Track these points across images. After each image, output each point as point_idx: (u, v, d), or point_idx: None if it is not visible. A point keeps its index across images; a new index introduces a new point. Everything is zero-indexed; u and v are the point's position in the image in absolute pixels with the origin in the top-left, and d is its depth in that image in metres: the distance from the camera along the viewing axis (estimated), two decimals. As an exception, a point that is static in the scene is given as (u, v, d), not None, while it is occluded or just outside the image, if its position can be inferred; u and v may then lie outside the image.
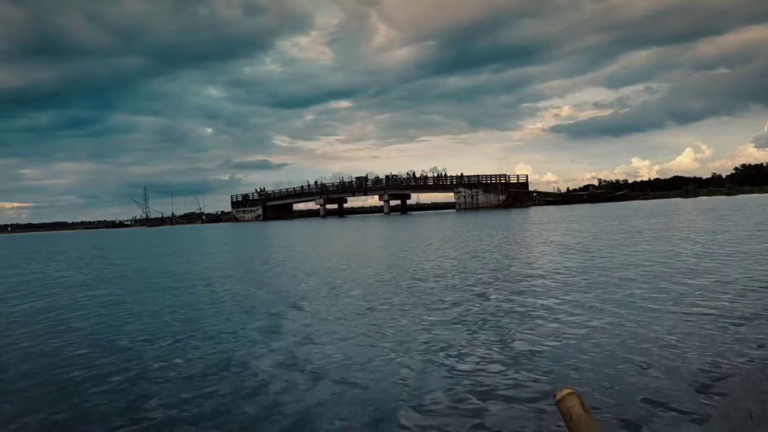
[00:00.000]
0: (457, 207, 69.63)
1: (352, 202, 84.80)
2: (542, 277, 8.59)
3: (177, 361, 4.81)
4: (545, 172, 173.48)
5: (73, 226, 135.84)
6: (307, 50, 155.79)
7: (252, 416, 3.49)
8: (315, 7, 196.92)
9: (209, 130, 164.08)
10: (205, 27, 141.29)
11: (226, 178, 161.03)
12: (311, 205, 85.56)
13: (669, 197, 64.50)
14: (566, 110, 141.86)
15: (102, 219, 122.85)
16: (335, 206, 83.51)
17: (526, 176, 71.78)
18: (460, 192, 69.27)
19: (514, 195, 67.11)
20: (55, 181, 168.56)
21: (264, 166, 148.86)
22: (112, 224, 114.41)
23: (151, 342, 5.60)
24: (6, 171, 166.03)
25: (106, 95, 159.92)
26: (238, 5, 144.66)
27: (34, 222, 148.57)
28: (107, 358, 5.02)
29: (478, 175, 69.49)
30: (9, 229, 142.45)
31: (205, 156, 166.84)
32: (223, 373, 4.39)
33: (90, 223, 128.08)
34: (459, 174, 70.35)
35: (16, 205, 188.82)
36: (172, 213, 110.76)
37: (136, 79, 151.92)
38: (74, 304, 8.59)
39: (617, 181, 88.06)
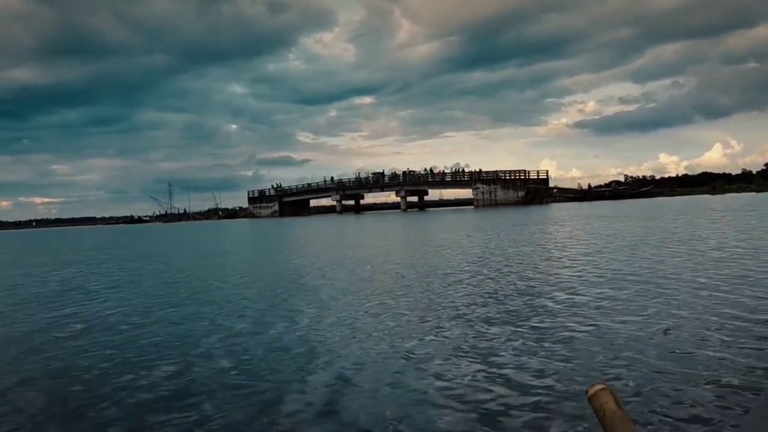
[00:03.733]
0: (475, 203, 67.97)
1: (370, 198, 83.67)
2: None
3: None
4: (570, 168, 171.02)
5: (98, 221, 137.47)
6: (330, 47, 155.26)
7: None
8: (338, 4, 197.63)
9: (234, 126, 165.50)
10: (229, 25, 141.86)
11: (250, 174, 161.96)
12: (328, 202, 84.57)
13: (696, 194, 61.95)
14: (591, 105, 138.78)
15: (128, 214, 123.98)
16: (352, 202, 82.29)
17: (546, 172, 69.53)
18: (478, 188, 67.65)
19: (533, 191, 65.18)
20: (85, 177, 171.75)
21: (287, 162, 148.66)
22: (132, 220, 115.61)
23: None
24: (38, 167, 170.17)
25: (133, 93, 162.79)
26: (261, 3, 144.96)
27: (63, 217, 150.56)
28: None
29: (496, 171, 67.92)
30: (34, 224, 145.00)
31: (230, 152, 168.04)
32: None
33: (111, 218, 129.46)
34: (477, 170, 68.96)
35: (46, 200, 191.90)
36: (185, 209, 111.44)
37: (163, 76, 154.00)
38: None
39: (644, 177, 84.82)
